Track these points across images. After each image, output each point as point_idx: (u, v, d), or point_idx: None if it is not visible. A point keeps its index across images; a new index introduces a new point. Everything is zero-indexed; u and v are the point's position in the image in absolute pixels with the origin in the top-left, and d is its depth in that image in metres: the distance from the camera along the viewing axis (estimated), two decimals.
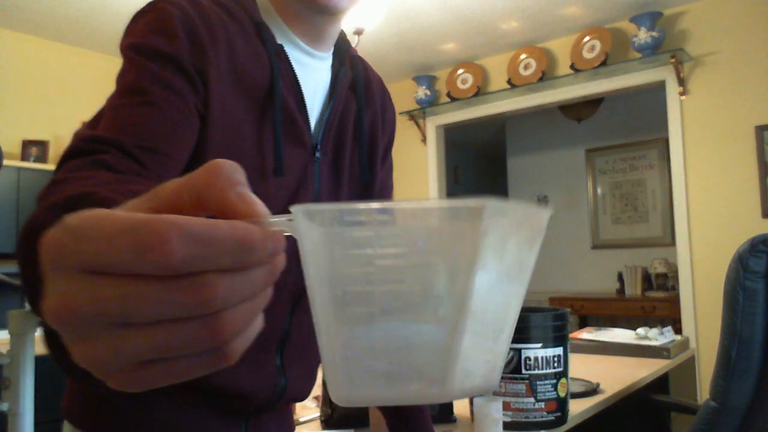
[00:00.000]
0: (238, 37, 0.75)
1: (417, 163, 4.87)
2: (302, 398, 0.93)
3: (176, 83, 0.67)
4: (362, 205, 0.27)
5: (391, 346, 0.28)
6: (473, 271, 0.26)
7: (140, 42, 0.68)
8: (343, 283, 0.28)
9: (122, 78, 0.68)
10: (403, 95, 4.82)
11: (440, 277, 0.27)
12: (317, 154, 0.82)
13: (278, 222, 0.29)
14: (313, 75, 0.84)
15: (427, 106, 4.70)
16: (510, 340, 0.31)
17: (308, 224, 0.28)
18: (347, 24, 3.09)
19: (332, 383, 0.28)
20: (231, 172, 0.28)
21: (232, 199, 0.28)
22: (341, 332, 0.28)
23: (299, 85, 0.80)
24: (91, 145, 0.60)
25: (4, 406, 1.60)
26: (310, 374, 0.91)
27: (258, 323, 0.29)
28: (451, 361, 0.27)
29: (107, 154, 0.59)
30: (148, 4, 0.72)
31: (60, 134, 3.88)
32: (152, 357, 0.26)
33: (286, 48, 0.80)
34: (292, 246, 0.29)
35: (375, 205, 0.27)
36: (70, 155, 0.60)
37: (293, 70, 0.79)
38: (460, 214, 0.27)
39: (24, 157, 3.68)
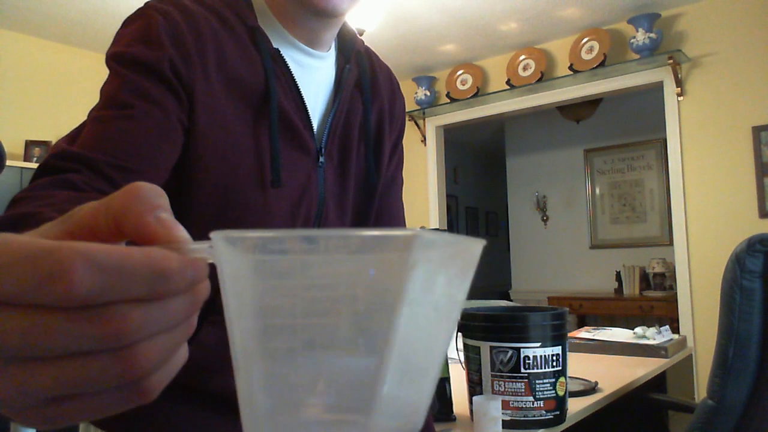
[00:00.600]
0: (229, 44, 0.73)
1: (417, 163, 4.89)
2: None
3: (158, 95, 0.66)
4: (286, 234, 0.26)
5: (313, 384, 0.26)
6: (400, 305, 0.25)
7: (123, 52, 0.67)
8: (264, 315, 0.26)
9: (105, 89, 0.67)
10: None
11: (365, 311, 0.26)
12: (321, 159, 0.80)
13: (199, 249, 0.27)
14: (314, 76, 0.82)
15: (427, 106, 4.71)
16: (437, 381, 0.29)
17: (230, 251, 0.26)
18: None
19: (248, 423, 0.27)
20: (151, 196, 0.26)
21: (150, 223, 0.26)
22: (261, 368, 0.26)
23: (298, 89, 0.77)
24: (62, 162, 0.60)
25: None
26: None
27: (181, 355, 0.27)
28: (375, 401, 0.25)
29: (76, 173, 0.59)
30: (136, 12, 0.71)
31: (62, 135, 3.88)
32: (61, 393, 0.24)
33: (284, 50, 0.78)
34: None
35: (299, 233, 0.26)
36: (40, 172, 0.59)
37: (291, 74, 0.77)
38: (389, 244, 0.25)
39: (27, 157, 3.69)
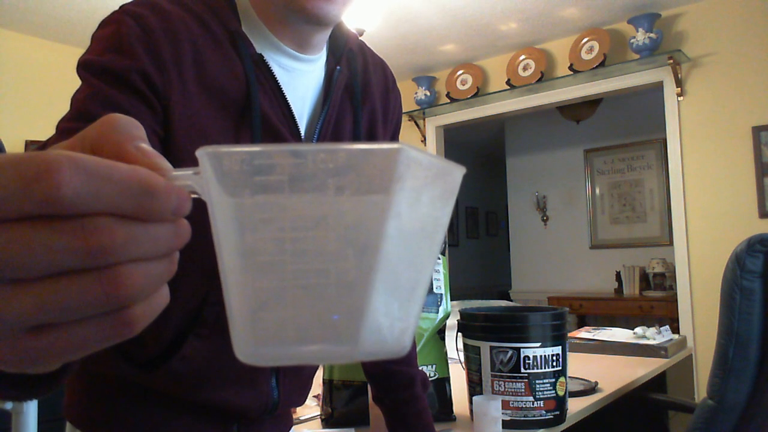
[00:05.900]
0: (209, 49, 0.70)
1: None
2: (297, 406, 0.92)
3: (130, 107, 0.63)
4: (273, 148, 0.26)
5: (301, 297, 0.26)
6: (387, 217, 0.25)
7: (94, 60, 0.65)
8: (252, 230, 0.26)
9: (76, 97, 0.64)
10: (403, 96, 4.78)
11: (353, 222, 0.26)
12: None
13: (183, 175, 0.26)
14: (302, 80, 0.78)
15: (427, 106, 4.71)
16: (422, 303, 0.29)
17: (216, 166, 0.26)
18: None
19: (238, 339, 0.27)
20: (129, 127, 0.25)
21: (130, 151, 0.25)
22: (250, 281, 0.26)
23: (283, 95, 0.74)
24: None
25: (8, 405, 1.61)
26: (305, 385, 0.90)
27: (163, 296, 0.26)
28: (362, 315, 0.26)
29: None
30: (110, 16, 0.68)
31: None
32: (42, 320, 0.23)
33: (269, 54, 0.75)
34: None
35: (286, 147, 0.26)
36: None
37: (275, 80, 0.73)
38: (375, 157, 0.26)
39: None
